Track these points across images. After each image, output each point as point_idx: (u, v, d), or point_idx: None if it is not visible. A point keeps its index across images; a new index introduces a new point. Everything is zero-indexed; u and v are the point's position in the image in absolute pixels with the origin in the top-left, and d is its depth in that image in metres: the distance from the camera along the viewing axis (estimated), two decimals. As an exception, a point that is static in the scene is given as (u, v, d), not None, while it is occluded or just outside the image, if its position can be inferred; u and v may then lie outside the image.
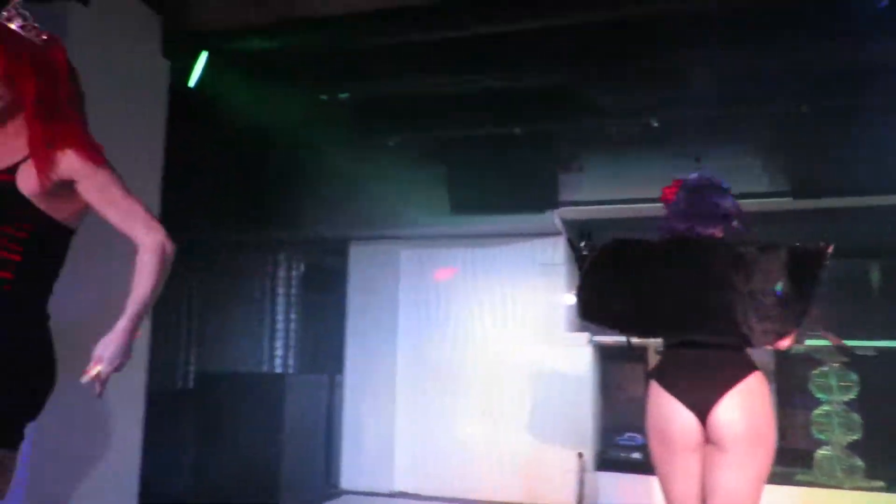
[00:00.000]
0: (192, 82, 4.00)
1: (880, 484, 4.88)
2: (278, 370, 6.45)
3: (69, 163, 1.80)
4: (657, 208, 5.46)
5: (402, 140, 5.06)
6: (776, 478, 4.98)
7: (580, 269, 2.60)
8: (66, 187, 1.82)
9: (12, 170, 1.77)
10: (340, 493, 5.70)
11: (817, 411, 5.19)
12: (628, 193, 5.30)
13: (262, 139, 4.95)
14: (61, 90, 1.84)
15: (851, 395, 5.10)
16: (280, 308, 6.52)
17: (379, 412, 5.83)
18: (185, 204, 4.27)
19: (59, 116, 1.82)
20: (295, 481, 5.36)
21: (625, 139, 4.75)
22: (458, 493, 5.56)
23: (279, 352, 6.50)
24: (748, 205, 5.17)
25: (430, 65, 4.23)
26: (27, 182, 1.77)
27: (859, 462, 4.98)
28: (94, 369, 1.76)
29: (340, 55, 4.14)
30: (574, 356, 5.57)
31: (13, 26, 1.80)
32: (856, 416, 5.08)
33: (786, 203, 5.07)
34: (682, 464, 2.28)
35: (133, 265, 1.87)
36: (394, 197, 5.54)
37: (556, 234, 5.64)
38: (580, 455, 5.35)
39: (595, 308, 2.52)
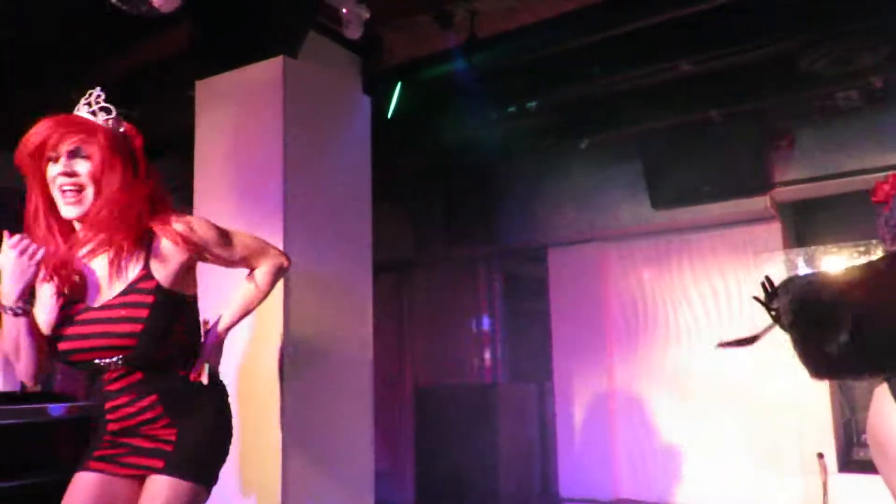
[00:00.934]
0: (389, 114, 4.23)
1: None
2: (488, 381, 6.59)
3: (191, 236, 1.84)
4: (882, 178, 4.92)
5: (594, 141, 4.98)
6: None
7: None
8: (190, 264, 1.88)
9: (148, 276, 1.78)
10: (560, 500, 5.68)
11: None
12: (850, 165, 4.81)
13: (457, 158, 5.12)
14: (151, 176, 1.86)
15: None
16: (485, 319, 6.67)
17: (593, 417, 5.75)
18: (391, 228, 4.52)
19: (158, 200, 1.85)
20: (512, 490, 5.44)
21: (843, 107, 4.31)
22: (683, 498, 5.34)
23: (488, 362, 6.64)
24: None
25: (616, 61, 4.13)
26: (163, 274, 1.80)
27: None
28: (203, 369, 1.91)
29: (525, 66, 4.16)
30: (803, 348, 5.12)
31: (99, 121, 1.81)
32: None
33: None
34: None
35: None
36: (589, 198, 5.48)
37: (770, 218, 5.25)
38: (820, 456, 4.90)
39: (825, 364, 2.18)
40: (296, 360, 3.21)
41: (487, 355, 6.63)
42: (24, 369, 1.78)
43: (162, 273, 1.79)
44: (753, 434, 5.19)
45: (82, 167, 1.75)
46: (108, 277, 1.78)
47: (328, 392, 3.41)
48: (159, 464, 1.79)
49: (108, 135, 1.78)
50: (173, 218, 1.84)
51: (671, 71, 4.15)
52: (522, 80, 4.32)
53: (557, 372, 5.97)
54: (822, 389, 5.04)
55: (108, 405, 1.81)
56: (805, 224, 5.97)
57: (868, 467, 4.80)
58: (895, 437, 2.05)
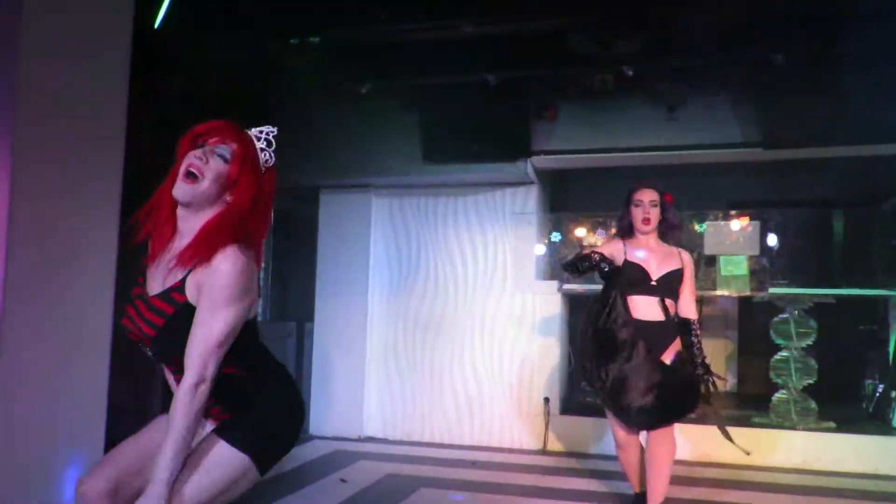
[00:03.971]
0: (156, 23, 3.84)
1: (831, 425, 5.10)
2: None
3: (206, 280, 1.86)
4: (629, 157, 5.50)
5: (375, 88, 4.95)
6: (733, 421, 5.21)
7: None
8: None
9: (181, 288, 1.78)
10: (309, 438, 5.75)
11: (776, 357, 5.36)
12: (601, 143, 5.30)
13: (230, 84, 4.79)
14: (263, 216, 1.90)
15: (809, 342, 5.27)
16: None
17: (349, 358, 5.87)
18: (152, 154, 4.14)
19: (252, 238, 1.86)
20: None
21: (599, 88, 4.72)
22: (427, 437, 5.68)
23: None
24: (720, 155, 5.28)
25: (405, 10, 4.12)
26: (192, 294, 1.84)
27: (813, 404, 5.19)
28: None
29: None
30: (544, 304, 5.64)
31: (258, 149, 1.89)
32: (812, 361, 5.25)
33: (756, 153, 5.13)
34: None
35: None
36: (366, 145, 5.46)
37: (530, 182, 5.64)
38: (546, 400, 5.48)
39: None
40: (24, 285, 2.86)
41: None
42: None
43: (192, 292, 1.77)
44: (494, 381, 5.65)
45: (214, 163, 1.79)
46: (164, 276, 1.81)
47: (59, 324, 3.09)
48: (212, 425, 1.84)
49: (256, 161, 1.87)
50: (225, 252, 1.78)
51: (454, 29, 4.23)
52: (306, 12, 4.14)
53: (319, 312, 5.98)
54: (553, 341, 5.62)
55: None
56: (559, 192, 6.52)
57: (583, 410, 5.48)
58: None
